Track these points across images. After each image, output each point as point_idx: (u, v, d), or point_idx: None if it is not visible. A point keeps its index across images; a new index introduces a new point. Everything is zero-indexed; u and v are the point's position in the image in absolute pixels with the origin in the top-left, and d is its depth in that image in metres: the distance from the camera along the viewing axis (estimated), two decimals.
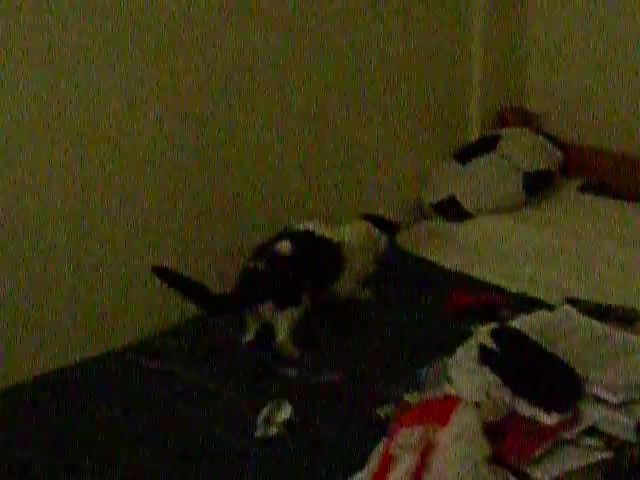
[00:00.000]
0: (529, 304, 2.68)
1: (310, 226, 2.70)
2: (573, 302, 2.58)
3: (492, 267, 3.06)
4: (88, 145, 2.57)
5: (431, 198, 3.45)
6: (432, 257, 3.17)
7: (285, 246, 2.57)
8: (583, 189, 3.48)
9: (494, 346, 2.13)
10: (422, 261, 3.15)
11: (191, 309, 2.61)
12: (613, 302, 2.62)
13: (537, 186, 3.35)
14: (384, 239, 2.94)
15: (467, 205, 3.33)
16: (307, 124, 3.13)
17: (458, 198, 3.34)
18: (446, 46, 3.49)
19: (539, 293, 2.82)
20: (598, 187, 3.47)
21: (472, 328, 2.34)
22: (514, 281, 2.93)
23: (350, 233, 2.79)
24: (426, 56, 3.43)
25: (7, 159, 2.42)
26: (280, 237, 2.63)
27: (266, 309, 2.51)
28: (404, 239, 3.27)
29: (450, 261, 3.14)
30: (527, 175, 3.33)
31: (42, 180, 2.51)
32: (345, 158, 3.30)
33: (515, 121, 3.58)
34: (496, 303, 2.75)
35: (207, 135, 2.84)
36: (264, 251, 2.60)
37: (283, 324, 2.53)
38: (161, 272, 2.50)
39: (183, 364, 2.49)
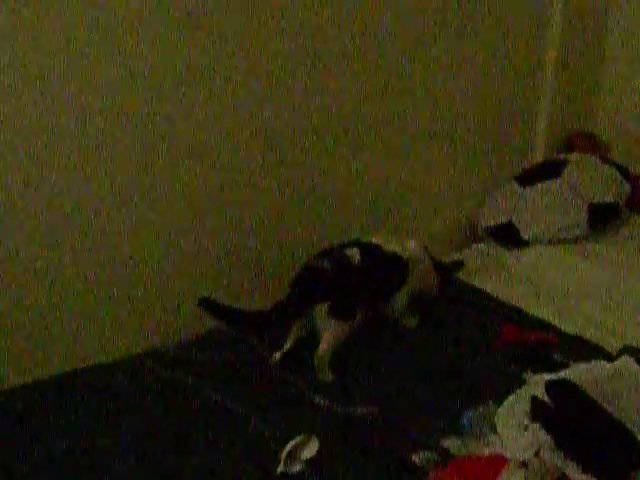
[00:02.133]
0: (584, 348, 2.49)
1: (378, 240, 2.58)
2: (632, 351, 2.36)
3: (547, 302, 2.85)
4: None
5: (487, 221, 3.23)
6: (483, 285, 2.97)
7: (355, 253, 2.46)
8: None
9: (548, 400, 1.92)
10: (472, 289, 2.94)
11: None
12: None
13: (602, 219, 3.13)
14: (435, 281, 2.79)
15: (524, 232, 3.12)
16: (368, 140, 2.98)
17: (515, 223, 3.12)
18: (518, 65, 3.32)
19: (596, 336, 2.60)
20: None
21: (524, 375, 2.14)
22: (570, 320, 2.72)
23: (415, 249, 2.67)
24: (496, 73, 3.25)
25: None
26: (348, 245, 2.51)
27: (320, 311, 2.35)
28: None
29: (502, 291, 2.93)
30: (592, 206, 3.10)
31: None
32: (403, 174, 3.14)
33: (584, 147, 3.36)
34: (549, 343, 2.54)
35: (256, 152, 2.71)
36: (331, 254, 2.47)
37: (330, 334, 2.36)
38: (207, 305, 2.32)
39: (206, 378, 2.32)
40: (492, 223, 3.20)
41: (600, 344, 2.52)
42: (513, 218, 3.14)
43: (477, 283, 2.96)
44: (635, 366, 2.21)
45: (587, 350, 2.45)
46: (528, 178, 3.23)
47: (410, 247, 2.64)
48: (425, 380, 2.36)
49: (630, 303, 2.80)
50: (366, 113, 2.90)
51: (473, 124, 3.23)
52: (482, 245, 3.25)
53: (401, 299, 2.61)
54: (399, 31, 2.87)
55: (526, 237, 3.12)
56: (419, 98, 3.03)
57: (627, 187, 3.21)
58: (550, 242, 3.12)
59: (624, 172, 3.23)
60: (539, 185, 3.15)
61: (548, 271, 3.02)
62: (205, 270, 2.68)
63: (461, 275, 3.01)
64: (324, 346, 2.35)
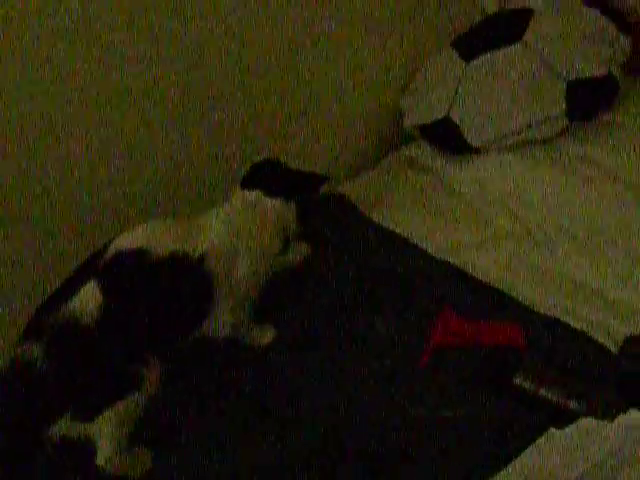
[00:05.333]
0: (569, 345, 1.57)
1: (141, 238, 1.53)
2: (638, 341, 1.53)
3: (506, 253, 1.81)
4: None
5: (414, 115, 2.12)
6: (405, 224, 1.96)
7: (88, 299, 1.43)
8: None
9: None
10: (386, 234, 1.92)
11: None
12: None
13: (589, 103, 2.00)
14: (287, 213, 1.76)
15: (470, 133, 2.01)
16: None
17: (456, 120, 2.02)
18: None
19: (584, 316, 1.64)
20: None
21: None
22: (541, 287, 1.73)
23: (220, 230, 1.62)
24: None
25: None
26: (86, 272, 1.48)
27: (64, 427, 1.42)
28: (365, 185, 2.00)
29: (437, 235, 1.90)
30: (573, 85, 1.97)
31: None
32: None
33: None
34: (513, 347, 1.59)
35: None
36: (50, 316, 1.44)
37: (104, 436, 1.45)
38: None
39: None
40: (422, 119, 2.10)
41: (591, 332, 1.60)
42: (452, 112, 2.02)
43: (395, 220, 1.92)
44: None
45: (574, 349, 1.56)
46: (472, 45, 2.09)
47: (210, 229, 1.62)
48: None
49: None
50: None
51: None
52: (410, 150, 2.16)
53: (218, 317, 1.61)
54: None
55: (473, 141, 2.01)
56: None
57: (625, 44, 2.08)
58: (509, 147, 2.02)
59: (619, 19, 2.09)
60: (488, 56, 2.04)
61: (511, 195, 1.96)
62: None
63: (370, 205, 2.01)
64: (104, 453, 1.46)
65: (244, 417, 1.56)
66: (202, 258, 1.54)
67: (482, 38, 2.10)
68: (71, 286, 1.45)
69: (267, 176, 1.75)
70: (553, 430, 1.33)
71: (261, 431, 1.53)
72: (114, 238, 1.54)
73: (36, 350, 1.39)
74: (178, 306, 1.53)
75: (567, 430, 1.32)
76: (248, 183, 1.74)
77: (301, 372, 1.63)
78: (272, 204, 1.71)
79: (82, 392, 1.41)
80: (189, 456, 1.51)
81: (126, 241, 1.51)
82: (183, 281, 1.53)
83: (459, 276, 1.79)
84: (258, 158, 1.83)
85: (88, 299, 1.42)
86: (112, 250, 1.50)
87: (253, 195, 1.71)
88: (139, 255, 1.49)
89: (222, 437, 1.53)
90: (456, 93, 2.05)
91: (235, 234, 1.62)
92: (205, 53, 1.91)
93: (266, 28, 1.97)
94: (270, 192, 1.71)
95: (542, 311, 1.67)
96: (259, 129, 2.06)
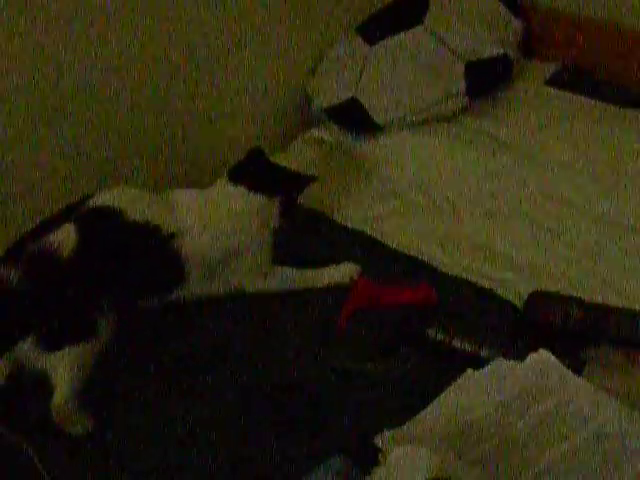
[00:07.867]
0: (474, 303, 1.70)
1: (118, 200, 1.62)
2: (543, 296, 1.64)
3: (417, 221, 1.91)
4: None
5: (322, 98, 2.20)
6: (318, 198, 2.01)
7: (65, 237, 1.53)
8: (554, 81, 2.26)
9: None
10: (302, 210, 1.96)
11: None
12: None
13: (488, 81, 2.13)
14: (269, 209, 1.79)
15: (376, 112, 2.11)
16: None
17: (362, 101, 2.11)
18: None
19: (489, 273, 1.78)
20: (577, 77, 2.26)
21: None
22: (451, 248, 1.86)
23: (199, 214, 1.69)
24: None
25: None
26: (63, 218, 1.59)
27: (26, 350, 1.50)
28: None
29: (350, 209, 1.99)
30: (471, 65, 2.10)
31: None
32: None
33: None
34: (423, 303, 1.70)
35: None
36: (27, 246, 1.54)
37: (62, 373, 1.50)
38: None
39: None
40: (329, 102, 2.18)
41: (498, 290, 1.72)
42: (358, 93, 2.12)
43: (308, 196, 1.95)
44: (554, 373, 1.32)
45: (479, 306, 1.69)
46: (376, 29, 2.19)
47: (190, 211, 1.68)
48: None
49: (540, 209, 1.89)
50: None
51: None
52: (318, 132, 2.24)
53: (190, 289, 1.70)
54: None
55: (378, 120, 2.11)
56: None
57: (517, 25, 2.22)
58: (413, 125, 2.12)
59: (511, 4, 2.23)
60: (391, 40, 2.13)
61: (413, 169, 2.07)
62: None
63: None
64: (61, 393, 1.49)
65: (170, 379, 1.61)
66: (172, 235, 1.62)
67: (385, 23, 2.20)
68: (48, 226, 1.54)
69: (253, 171, 1.78)
70: (470, 371, 1.43)
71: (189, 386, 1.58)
72: (93, 194, 1.62)
73: (12, 270, 1.48)
74: (141, 272, 1.60)
75: (483, 370, 1.43)
76: (235, 175, 1.77)
77: (225, 330, 1.69)
78: (255, 200, 1.74)
79: (47, 317, 1.49)
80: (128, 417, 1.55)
81: (105, 199, 1.60)
82: (150, 251, 1.62)
83: (373, 245, 1.88)
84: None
85: (65, 236, 1.52)
86: (91, 204, 1.59)
87: (236, 189, 1.74)
88: (115, 214, 1.58)
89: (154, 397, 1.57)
90: (361, 75, 2.13)
91: (216, 224, 1.68)
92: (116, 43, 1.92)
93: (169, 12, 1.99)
94: (255, 187, 1.75)
95: (451, 273, 1.78)
96: (164, 115, 2.09)
